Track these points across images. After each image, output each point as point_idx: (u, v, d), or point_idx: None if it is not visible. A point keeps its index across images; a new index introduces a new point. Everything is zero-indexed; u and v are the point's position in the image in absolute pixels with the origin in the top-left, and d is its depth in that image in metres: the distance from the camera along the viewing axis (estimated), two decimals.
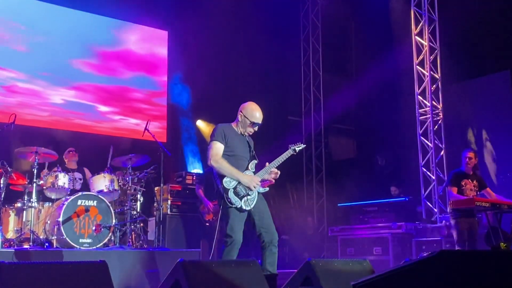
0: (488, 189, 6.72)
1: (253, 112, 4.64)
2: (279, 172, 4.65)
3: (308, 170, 11.55)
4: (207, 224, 7.43)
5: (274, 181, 4.69)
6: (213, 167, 4.53)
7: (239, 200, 4.45)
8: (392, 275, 2.72)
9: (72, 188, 6.68)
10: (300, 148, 4.80)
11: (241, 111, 4.67)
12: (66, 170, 6.93)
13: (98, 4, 9.18)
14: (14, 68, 8.70)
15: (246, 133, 4.71)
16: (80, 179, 7.18)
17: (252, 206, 4.50)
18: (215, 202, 7.02)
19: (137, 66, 10.02)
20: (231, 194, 4.45)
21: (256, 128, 4.70)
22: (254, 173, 4.61)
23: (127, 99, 9.85)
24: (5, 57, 8.66)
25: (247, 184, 4.48)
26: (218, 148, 4.55)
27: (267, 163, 4.66)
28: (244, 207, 4.46)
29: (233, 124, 4.73)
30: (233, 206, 4.44)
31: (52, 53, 8.99)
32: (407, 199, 8.60)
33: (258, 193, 4.58)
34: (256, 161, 4.68)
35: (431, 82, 9.25)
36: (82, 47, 9.35)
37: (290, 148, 4.76)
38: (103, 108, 9.48)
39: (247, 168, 4.60)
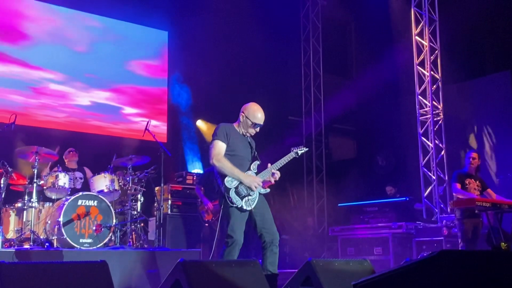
0: (489, 190, 6.73)
1: (255, 113, 4.63)
2: (279, 174, 4.65)
3: (309, 170, 11.55)
4: (206, 224, 7.44)
5: (274, 182, 4.69)
6: (215, 166, 4.51)
7: (240, 200, 4.44)
8: (392, 275, 2.73)
9: (72, 187, 6.67)
10: (303, 151, 4.78)
11: (243, 112, 4.66)
12: (67, 170, 6.93)
13: (96, 5, 9.19)
14: (55, 69, 8.72)
15: (247, 134, 4.70)
16: (81, 178, 7.18)
17: (253, 206, 4.49)
18: (215, 202, 7.03)
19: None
20: (232, 194, 4.44)
21: (257, 129, 4.69)
22: (256, 174, 4.61)
23: (162, 102, 9.95)
24: (58, 57, 8.72)
25: (248, 185, 4.47)
26: (220, 147, 4.54)
27: (269, 165, 4.65)
28: (245, 207, 4.45)
29: (235, 125, 4.72)
30: (234, 205, 4.43)
31: (109, 54, 9.11)
32: (407, 199, 8.60)
33: (259, 193, 4.58)
34: (258, 162, 4.66)
35: (432, 82, 9.25)
36: (140, 48, 9.59)
37: (292, 151, 4.75)
38: (128, 110, 9.52)
39: (249, 169, 4.59)
